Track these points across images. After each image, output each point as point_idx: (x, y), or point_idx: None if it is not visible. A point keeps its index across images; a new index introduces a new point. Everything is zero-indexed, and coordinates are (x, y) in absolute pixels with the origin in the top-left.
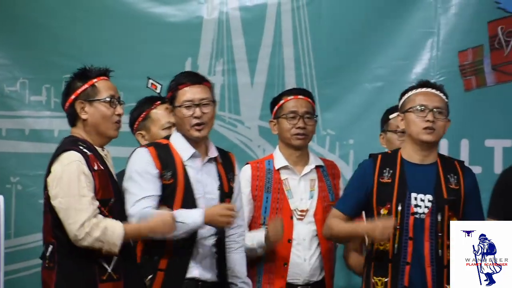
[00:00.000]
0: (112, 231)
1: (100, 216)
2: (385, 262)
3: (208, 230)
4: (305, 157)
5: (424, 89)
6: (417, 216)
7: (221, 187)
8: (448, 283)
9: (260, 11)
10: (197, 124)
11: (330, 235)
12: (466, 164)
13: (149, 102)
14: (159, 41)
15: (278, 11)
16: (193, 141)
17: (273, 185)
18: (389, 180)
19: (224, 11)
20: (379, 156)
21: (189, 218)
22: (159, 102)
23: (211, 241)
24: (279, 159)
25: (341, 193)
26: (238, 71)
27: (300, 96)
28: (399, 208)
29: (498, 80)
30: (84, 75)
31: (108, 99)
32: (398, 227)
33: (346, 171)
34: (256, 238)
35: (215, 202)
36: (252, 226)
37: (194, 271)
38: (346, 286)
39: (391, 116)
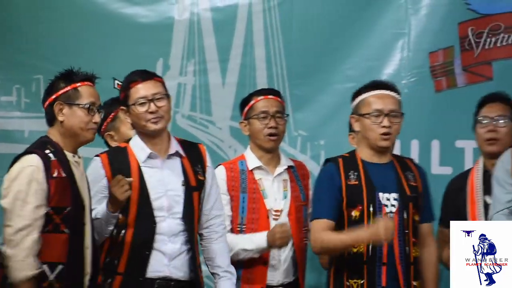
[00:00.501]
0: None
1: (38, 236)
2: (359, 264)
3: (178, 227)
4: (276, 157)
5: (377, 92)
6: (387, 215)
7: (185, 182)
8: (415, 279)
9: (231, 12)
10: (153, 118)
11: (324, 250)
12: (437, 165)
13: (116, 103)
14: (130, 41)
15: (249, 12)
16: (152, 138)
17: (248, 185)
18: (356, 182)
19: (195, 12)
20: (340, 160)
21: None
22: None
23: (182, 238)
24: (252, 160)
25: (311, 193)
26: (210, 71)
27: (270, 96)
28: (371, 209)
29: (469, 81)
30: (68, 77)
31: (87, 105)
32: None
33: (317, 172)
34: (256, 241)
35: (180, 198)
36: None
37: (165, 270)
38: (316, 286)
39: None
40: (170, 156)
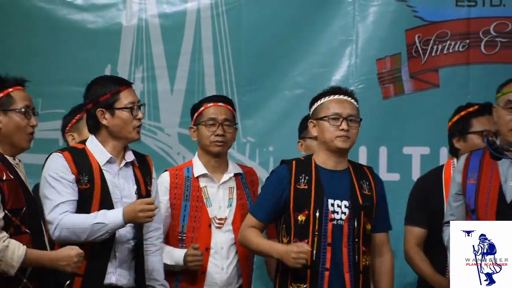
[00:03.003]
0: (12, 252)
1: (4, 233)
2: (303, 268)
3: (127, 234)
4: (223, 164)
5: (336, 97)
6: (335, 222)
7: (138, 191)
8: None
9: (179, 18)
10: (139, 127)
11: (246, 246)
12: (384, 171)
13: (83, 107)
14: (79, 47)
15: (198, 18)
16: (114, 146)
17: (192, 193)
18: (306, 187)
19: (143, 18)
20: (293, 162)
21: (108, 218)
22: None
23: (130, 245)
24: (198, 167)
25: None
26: (158, 78)
27: (220, 104)
28: (317, 214)
29: (416, 88)
30: None
31: (23, 109)
32: (316, 233)
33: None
34: (175, 258)
35: None
36: (170, 234)
37: (112, 277)
38: None
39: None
40: (126, 164)
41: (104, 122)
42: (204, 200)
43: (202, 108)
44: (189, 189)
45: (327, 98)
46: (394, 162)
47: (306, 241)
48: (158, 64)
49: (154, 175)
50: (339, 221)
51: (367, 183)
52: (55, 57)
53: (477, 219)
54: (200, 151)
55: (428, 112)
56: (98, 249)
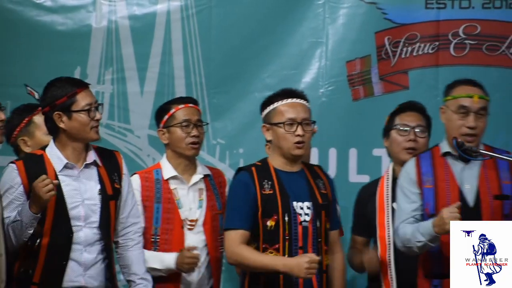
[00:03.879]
0: None
1: None
2: (276, 274)
3: (94, 236)
4: (193, 166)
5: (289, 100)
6: (302, 224)
7: (103, 191)
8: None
9: (149, 20)
10: (96, 127)
11: (239, 264)
12: (354, 173)
13: (29, 109)
14: (48, 49)
15: (168, 20)
16: (73, 148)
17: (163, 195)
18: (271, 191)
19: (113, 20)
20: (253, 168)
21: (23, 215)
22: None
23: (98, 247)
24: (168, 169)
25: None
26: (128, 80)
27: (191, 105)
28: (286, 218)
29: (385, 90)
30: None
31: None
32: (287, 237)
33: None
34: (165, 261)
35: (96, 207)
36: (143, 236)
37: (81, 279)
38: None
39: None
40: (88, 165)
41: (61, 125)
42: (176, 201)
43: (173, 110)
44: (160, 192)
45: (280, 102)
46: (364, 163)
47: (277, 246)
48: (128, 66)
49: (125, 170)
50: (304, 223)
51: (322, 182)
52: (24, 59)
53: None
54: (171, 153)
55: None
56: (53, 257)
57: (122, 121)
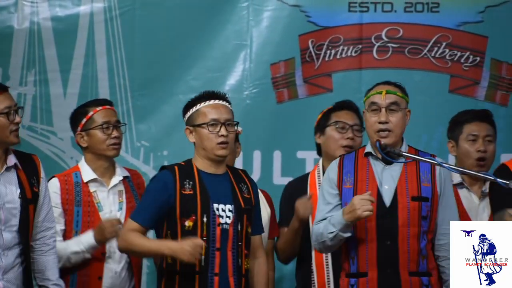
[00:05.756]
0: None
1: None
2: (191, 274)
3: (12, 240)
4: (112, 168)
5: (212, 102)
6: (222, 226)
7: (22, 195)
8: None
9: (72, 22)
10: (16, 130)
11: (128, 250)
12: (279, 175)
13: None
14: None
15: (91, 22)
16: None
17: (83, 198)
18: (191, 192)
19: (35, 21)
20: (176, 168)
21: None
22: None
23: (17, 251)
24: (87, 172)
25: None
26: (51, 81)
27: (108, 106)
28: (205, 219)
29: (310, 93)
30: None
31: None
32: (205, 238)
33: None
34: (84, 241)
35: (16, 211)
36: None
37: None
38: None
39: None
40: (8, 168)
41: None
42: (96, 204)
43: (91, 113)
44: (79, 195)
45: (202, 104)
46: (288, 166)
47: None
48: (51, 67)
49: (42, 174)
50: (224, 225)
51: (245, 186)
52: None
53: (355, 223)
54: (90, 156)
55: None
56: None
57: (45, 123)
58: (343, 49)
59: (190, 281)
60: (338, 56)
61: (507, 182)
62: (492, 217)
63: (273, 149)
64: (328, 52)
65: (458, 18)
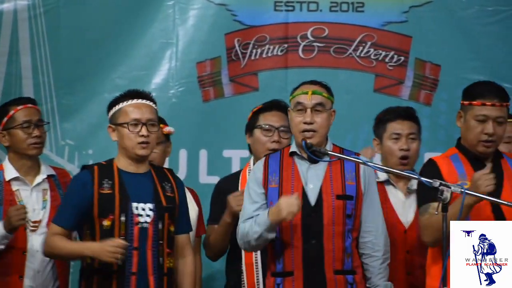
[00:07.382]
0: None
1: None
2: (109, 273)
3: None
4: (36, 167)
5: (135, 101)
6: (140, 225)
7: None
8: None
9: None
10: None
11: (52, 254)
12: (205, 174)
13: None
14: None
15: (15, 19)
16: None
17: (4, 197)
18: (110, 191)
19: None
20: (95, 167)
21: None
22: None
23: None
24: (9, 170)
25: None
26: None
27: (30, 105)
28: (123, 218)
29: (236, 92)
30: None
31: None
32: (123, 237)
33: None
34: None
35: None
36: None
37: None
38: None
39: None
40: None
41: None
42: (18, 203)
43: (12, 112)
44: (1, 193)
45: (125, 103)
46: (214, 165)
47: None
48: None
49: None
50: (144, 224)
51: (169, 185)
52: None
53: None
54: (12, 155)
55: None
56: None
57: None
58: (269, 48)
59: (108, 280)
60: (264, 55)
61: (431, 181)
62: (418, 212)
63: (199, 148)
64: (254, 51)
65: (383, 18)
